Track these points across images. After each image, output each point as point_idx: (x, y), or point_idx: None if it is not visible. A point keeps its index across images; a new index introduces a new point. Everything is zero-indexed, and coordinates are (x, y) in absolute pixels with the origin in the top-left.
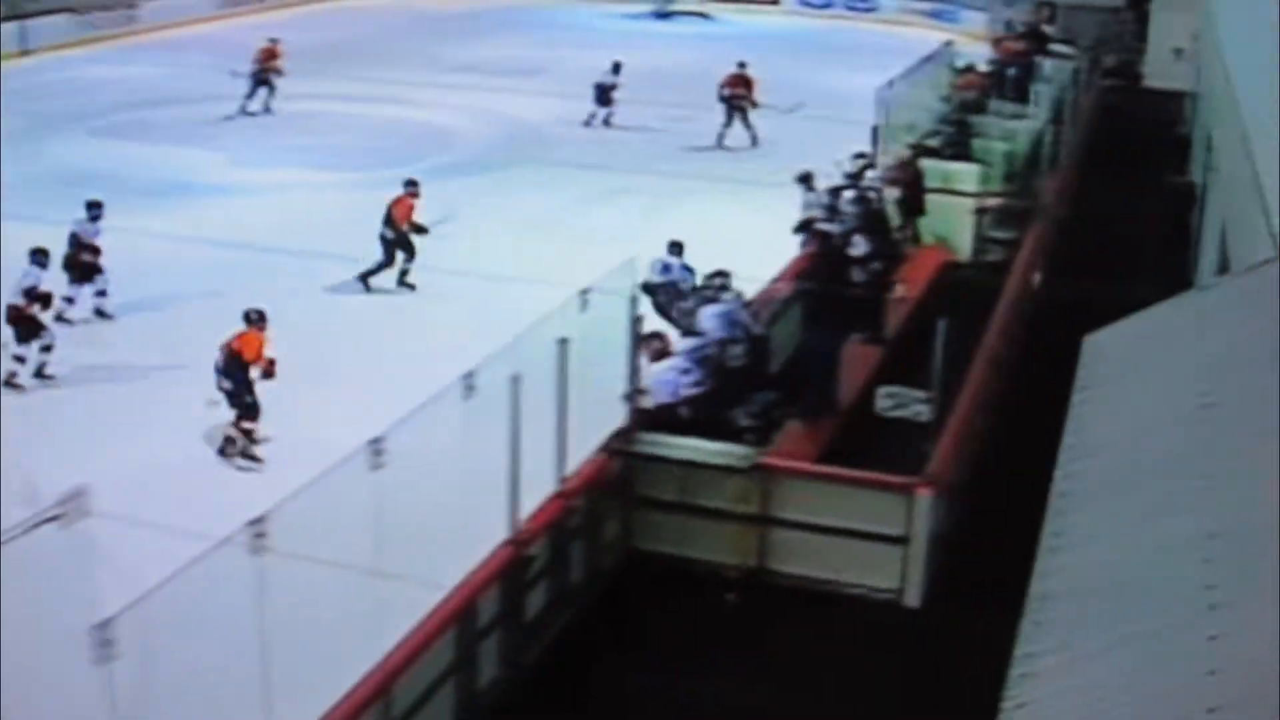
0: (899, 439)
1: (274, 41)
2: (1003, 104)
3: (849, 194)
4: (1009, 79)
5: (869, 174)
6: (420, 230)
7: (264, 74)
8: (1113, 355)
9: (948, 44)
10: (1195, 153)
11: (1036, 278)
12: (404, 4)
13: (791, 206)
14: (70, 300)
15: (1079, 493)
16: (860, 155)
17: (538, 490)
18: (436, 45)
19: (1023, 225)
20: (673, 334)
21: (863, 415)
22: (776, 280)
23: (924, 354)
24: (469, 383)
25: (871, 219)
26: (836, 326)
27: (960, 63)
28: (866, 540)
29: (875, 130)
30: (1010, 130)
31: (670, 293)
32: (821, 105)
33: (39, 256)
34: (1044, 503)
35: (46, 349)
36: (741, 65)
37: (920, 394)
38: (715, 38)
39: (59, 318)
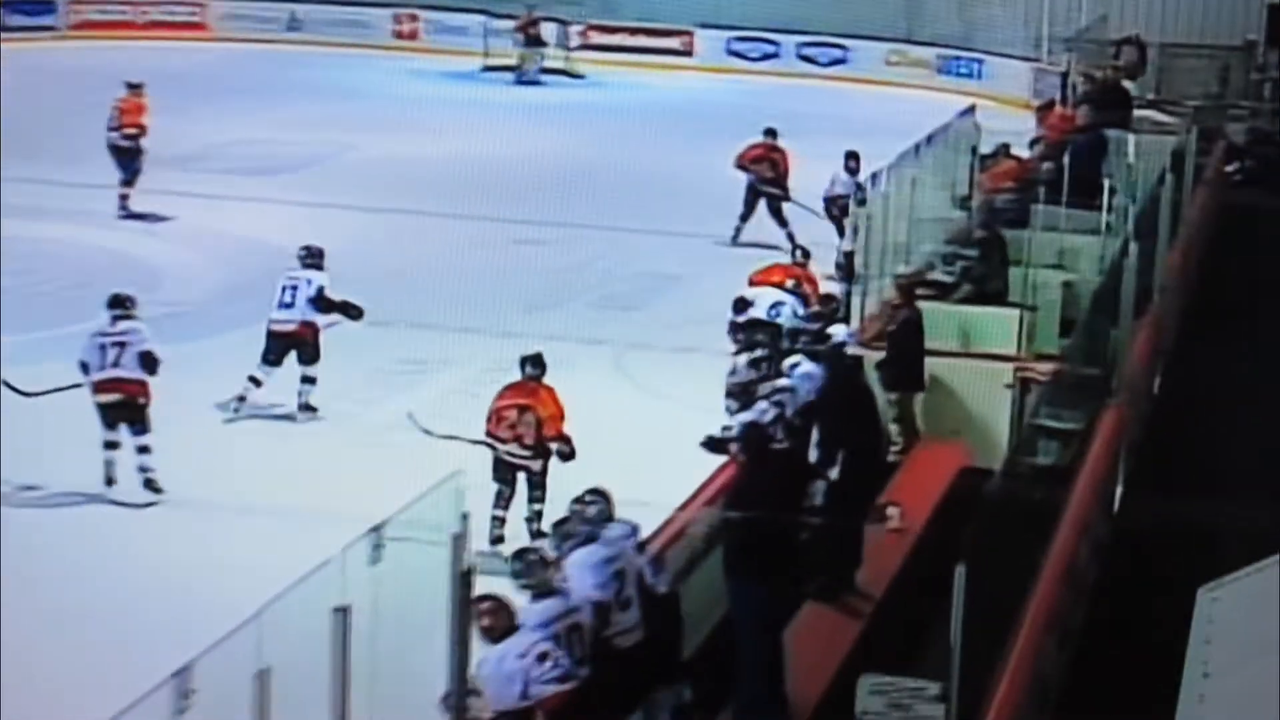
0: None
1: (135, 89)
2: (1057, 209)
3: (803, 364)
4: (1066, 168)
5: (839, 329)
6: None
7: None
8: (1244, 619)
9: (967, 113)
10: None
11: (1116, 492)
12: (55, 53)
13: (711, 381)
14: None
15: None
16: (827, 298)
17: None
18: None
19: (1093, 407)
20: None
21: None
22: (688, 504)
23: (933, 621)
24: (183, 686)
25: (842, 400)
26: (787, 578)
27: (988, 144)
28: None
29: (847, 257)
30: (1070, 252)
31: (772, 337)
32: (758, 217)
33: (311, 257)
34: None
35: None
36: (770, 134)
37: (929, 686)
38: (589, 110)
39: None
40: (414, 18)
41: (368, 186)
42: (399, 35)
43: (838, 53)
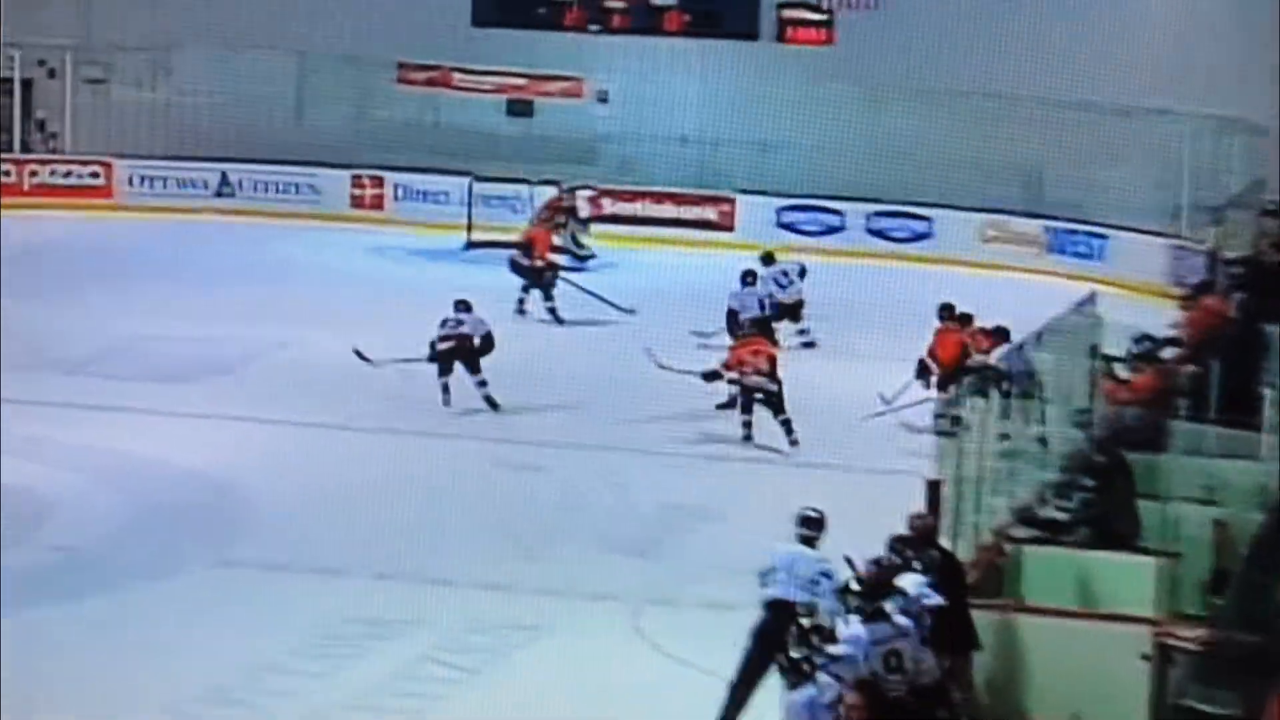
0: None
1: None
2: (1203, 428)
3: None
4: (1215, 374)
5: (911, 581)
6: None
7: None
8: None
9: (1086, 302)
10: None
11: None
12: None
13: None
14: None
15: None
16: (901, 542)
17: None
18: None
19: (1259, 687)
20: None
21: None
22: None
23: None
24: None
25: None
26: None
27: (1113, 341)
28: None
29: (932, 487)
30: (1221, 483)
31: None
32: (810, 438)
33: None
34: None
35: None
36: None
37: None
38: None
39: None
40: (378, 181)
41: (306, 394)
42: (358, 203)
43: (919, 225)
